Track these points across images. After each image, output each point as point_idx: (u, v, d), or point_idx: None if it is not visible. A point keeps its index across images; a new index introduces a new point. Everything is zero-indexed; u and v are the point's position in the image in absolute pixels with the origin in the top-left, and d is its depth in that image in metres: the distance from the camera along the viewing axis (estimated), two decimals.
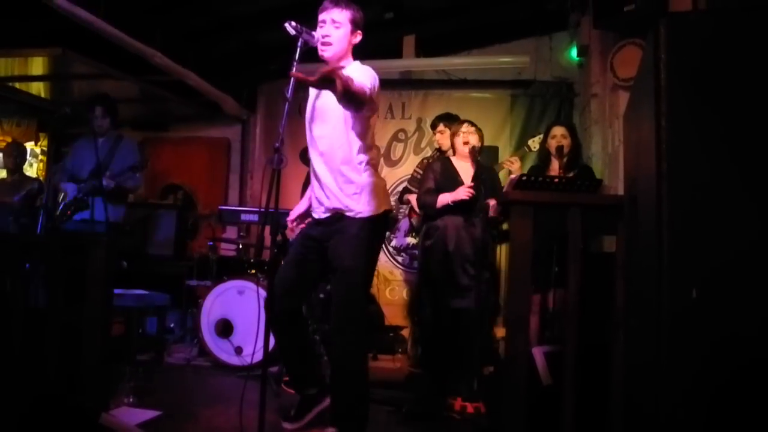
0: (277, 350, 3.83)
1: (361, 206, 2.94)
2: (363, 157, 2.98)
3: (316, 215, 3.11)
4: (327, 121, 2.95)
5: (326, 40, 2.83)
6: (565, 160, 4.23)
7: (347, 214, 2.95)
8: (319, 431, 3.09)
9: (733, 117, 1.50)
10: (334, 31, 2.84)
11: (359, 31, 2.93)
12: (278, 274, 3.08)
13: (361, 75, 2.79)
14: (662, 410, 1.41)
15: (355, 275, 2.91)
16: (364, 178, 2.97)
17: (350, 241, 2.90)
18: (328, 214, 3.02)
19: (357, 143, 2.95)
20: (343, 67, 2.75)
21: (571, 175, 4.21)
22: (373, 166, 3.04)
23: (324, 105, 2.96)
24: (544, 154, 4.46)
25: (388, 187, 6.53)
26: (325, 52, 2.87)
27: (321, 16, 2.87)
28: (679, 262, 1.47)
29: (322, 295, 4.80)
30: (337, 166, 2.95)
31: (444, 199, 4.16)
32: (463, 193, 4.07)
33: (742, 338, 1.43)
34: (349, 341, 2.93)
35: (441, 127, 5.05)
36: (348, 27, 2.87)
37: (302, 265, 3.09)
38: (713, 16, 1.52)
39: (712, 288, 1.44)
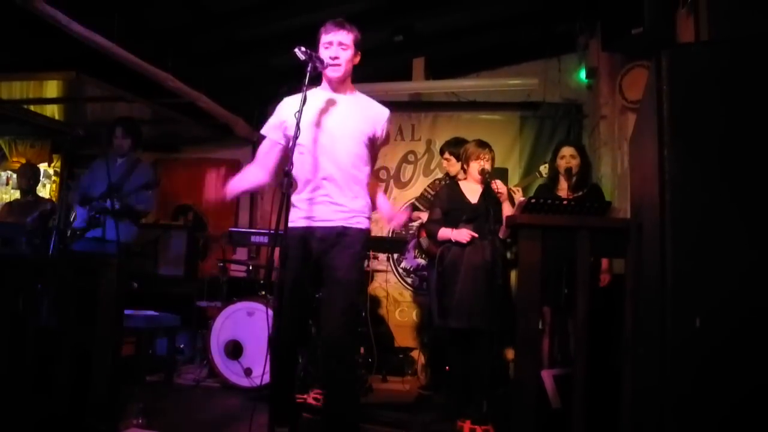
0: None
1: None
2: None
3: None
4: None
5: (336, 62, 2.90)
6: (573, 180, 4.23)
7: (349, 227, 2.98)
8: None
9: (735, 147, 1.49)
10: (342, 52, 2.91)
11: (359, 53, 3.01)
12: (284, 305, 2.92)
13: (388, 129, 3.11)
14: None
15: (354, 286, 2.96)
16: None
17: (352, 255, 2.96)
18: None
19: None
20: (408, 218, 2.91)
21: (580, 194, 4.22)
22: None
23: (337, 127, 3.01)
24: (552, 174, 4.47)
25: (397, 209, 6.58)
26: (335, 73, 2.94)
27: (326, 38, 2.93)
28: (682, 292, 1.46)
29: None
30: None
31: (445, 233, 4.19)
32: (463, 236, 4.10)
33: (746, 367, 1.42)
34: (350, 353, 3.00)
35: (447, 155, 5.04)
36: (352, 49, 2.95)
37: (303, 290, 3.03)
38: (715, 47, 1.52)
39: (715, 317, 1.43)
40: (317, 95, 3.01)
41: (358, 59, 3.01)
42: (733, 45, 1.49)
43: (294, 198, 2.99)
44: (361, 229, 2.98)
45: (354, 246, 2.94)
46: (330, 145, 2.96)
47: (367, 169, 3.07)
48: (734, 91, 1.51)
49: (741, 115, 1.50)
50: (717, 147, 1.51)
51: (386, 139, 3.15)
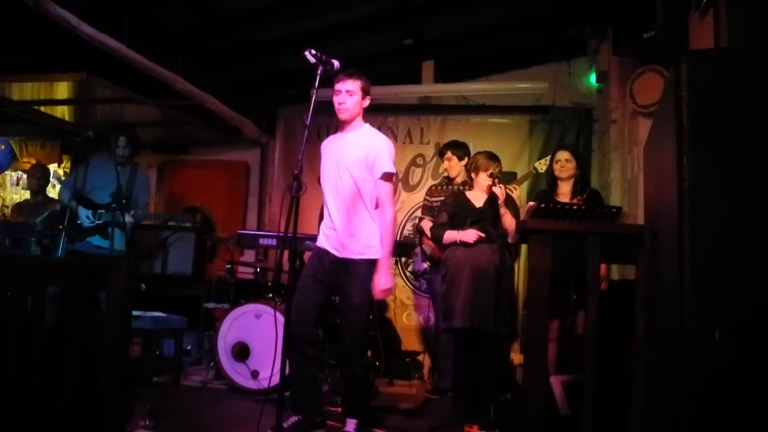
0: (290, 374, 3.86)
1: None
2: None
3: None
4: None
5: (342, 107, 3.44)
6: (572, 182, 4.24)
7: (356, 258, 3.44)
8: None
9: (755, 155, 1.47)
10: (348, 98, 3.43)
11: (368, 97, 3.53)
12: (295, 301, 3.39)
13: (383, 156, 3.42)
14: None
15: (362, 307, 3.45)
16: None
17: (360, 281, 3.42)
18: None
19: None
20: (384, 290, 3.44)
21: (577, 200, 4.21)
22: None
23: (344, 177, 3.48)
24: (550, 179, 4.45)
25: (405, 212, 6.56)
26: (342, 115, 3.47)
27: (337, 86, 3.43)
28: (701, 303, 1.45)
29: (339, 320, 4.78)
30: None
31: (451, 236, 4.21)
32: (470, 236, 4.11)
33: (765, 375, 1.39)
34: (359, 356, 3.52)
35: (449, 154, 5.01)
36: (359, 94, 3.46)
37: (316, 292, 3.51)
38: (736, 53, 1.49)
39: (734, 326, 1.41)
40: (334, 139, 3.65)
41: (366, 102, 3.51)
42: (754, 51, 1.46)
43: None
44: (366, 259, 3.40)
45: (359, 274, 3.40)
46: (333, 182, 3.47)
47: (370, 198, 3.44)
48: (755, 98, 1.48)
49: (762, 122, 1.47)
50: (737, 155, 1.49)
51: (377, 167, 3.42)
